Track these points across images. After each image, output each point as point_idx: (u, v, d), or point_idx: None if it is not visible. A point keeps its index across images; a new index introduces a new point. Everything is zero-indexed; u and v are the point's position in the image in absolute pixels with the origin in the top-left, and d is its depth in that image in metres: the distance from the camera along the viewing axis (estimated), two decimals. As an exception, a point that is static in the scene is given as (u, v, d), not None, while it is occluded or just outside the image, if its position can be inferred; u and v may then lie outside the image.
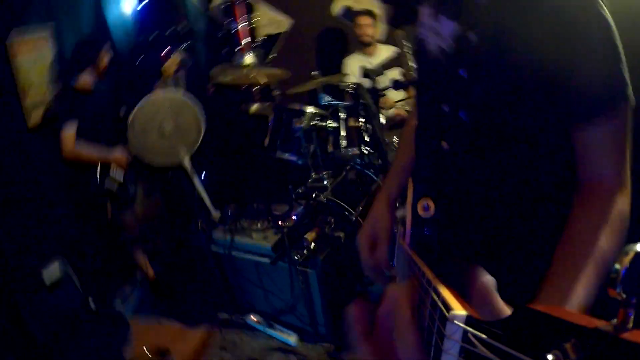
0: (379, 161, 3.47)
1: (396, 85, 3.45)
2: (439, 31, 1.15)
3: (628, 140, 1.01)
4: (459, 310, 0.47)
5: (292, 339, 3.51)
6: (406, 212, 1.41)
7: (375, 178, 3.44)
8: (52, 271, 3.20)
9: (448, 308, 0.48)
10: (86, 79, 3.68)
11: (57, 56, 3.82)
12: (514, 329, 0.39)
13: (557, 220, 1.04)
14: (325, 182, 3.60)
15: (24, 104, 3.54)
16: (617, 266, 0.37)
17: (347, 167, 3.60)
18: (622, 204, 0.99)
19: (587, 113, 0.99)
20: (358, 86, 3.47)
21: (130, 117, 3.62)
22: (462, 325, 0.45)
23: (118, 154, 3.74)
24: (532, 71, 0.99)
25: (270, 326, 3.63)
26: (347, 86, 3.53)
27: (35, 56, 3.62)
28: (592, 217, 0.98)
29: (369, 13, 4.54)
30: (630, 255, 0.38)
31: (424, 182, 1.24)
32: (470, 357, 0.43)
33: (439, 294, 0.53)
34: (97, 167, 3.72)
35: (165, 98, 3.78)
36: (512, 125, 1.08)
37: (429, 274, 0.62)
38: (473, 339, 0.42)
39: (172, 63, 4.09)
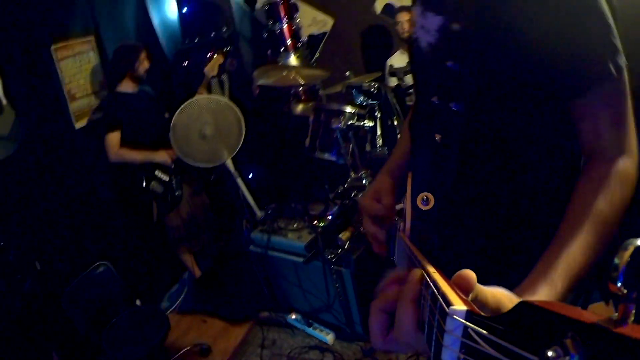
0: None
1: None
2: (427, 27, 1.16)
3: (627, 105, 0.99)
4: (459, 305, 0.47)
5: (329, 337, 3.53)
6: (405, 205, 1.41)
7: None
8: (96, 269, 3.34)
9: (448, 303, 0.48)
10: (128, 83, 3.80)
11: (101, 61, 3.98)
12: (514, 325, 0.40)
13: (554, 208, 1.03)
14: (364, 182, 3.60)
15: (71, 107, 3.71)
16: (617, 261, 0.37)
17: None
18: (625, 167, 0.97)
19: (580, 86, 0.97)
20: (381, 85, 3.44)
21: (173, 120, 3.72)
22: (462, 320, 0.45)
23: (162, 154, 3.85)
24: (518, 54, 0.99)
25: (309, 324, 3.66)
26: (371, 86, 3.50)
27: (79, 60, 3.80)
28: (592, 181, 0.97)
29: (410, 9, 4.48)
30: (630, 250, 0.37)
31: (422, 175, 1.24)
32: (470, 352, 0.43)
33: (438, 288, 0.54)
34: (142, 169, 3.84)
35: (206, 101, 3.86)
36: (503, 113, 1.08)
37: (429, 268, 0.62)
38: (473, 335, 0.43)
39: (214, 64, 4.15)
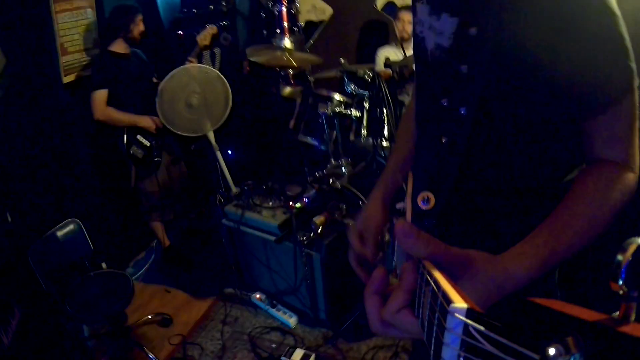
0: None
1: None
2: (439, 29, 1.14)
3: (635, 125, 1.00)
4: (459, 303, 0.47)
5: (291, 320, 3.52)
6: (406, 204, 1.40)
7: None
8: (65, 226, 3.29)
9: (448, 300, 0.48)
10: (121, 43, 3.76)
11: (98, 20, 3.93)
12: (515, 323, 0.39)
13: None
14: (343, 170, 3.60)
15: (61, 60, 3.65)
16: (620, 258, 0.37)
17: (368, 158, 3.59)
18: (628, 179, 0.98)
19: (592, 107, 0.98)
20: (375, 75, 3.43)
21: (161, 85, 3.69)
22: (463, 318, 0.45)
23: (147, 120, 3.81)
24: (533, 66, 0.98)
25: (273, 306, 3.65)
26: (365, 75, 3.49)
27: (76, 15, 3.74)
28: (595, 175, 0.98)
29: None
30: (632, 248, 0.37)
31: (424, 175, 1.24)
32: (471, 350, 0.43)
33: (439, 287, 0.53)
34: (125, 131, 3.80)
35: (197, 71, 3.83)
36: (512, 121, 1.08)
37: (429, 267, 0.62)
38: (474, 332, 0.43)
39: (207, 34, 4.11)
